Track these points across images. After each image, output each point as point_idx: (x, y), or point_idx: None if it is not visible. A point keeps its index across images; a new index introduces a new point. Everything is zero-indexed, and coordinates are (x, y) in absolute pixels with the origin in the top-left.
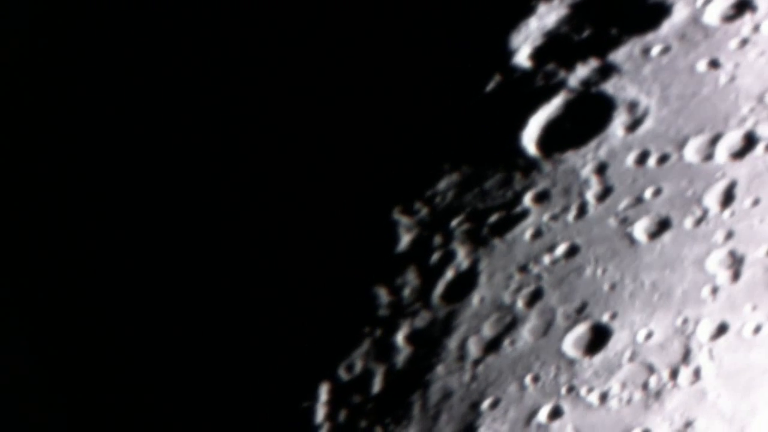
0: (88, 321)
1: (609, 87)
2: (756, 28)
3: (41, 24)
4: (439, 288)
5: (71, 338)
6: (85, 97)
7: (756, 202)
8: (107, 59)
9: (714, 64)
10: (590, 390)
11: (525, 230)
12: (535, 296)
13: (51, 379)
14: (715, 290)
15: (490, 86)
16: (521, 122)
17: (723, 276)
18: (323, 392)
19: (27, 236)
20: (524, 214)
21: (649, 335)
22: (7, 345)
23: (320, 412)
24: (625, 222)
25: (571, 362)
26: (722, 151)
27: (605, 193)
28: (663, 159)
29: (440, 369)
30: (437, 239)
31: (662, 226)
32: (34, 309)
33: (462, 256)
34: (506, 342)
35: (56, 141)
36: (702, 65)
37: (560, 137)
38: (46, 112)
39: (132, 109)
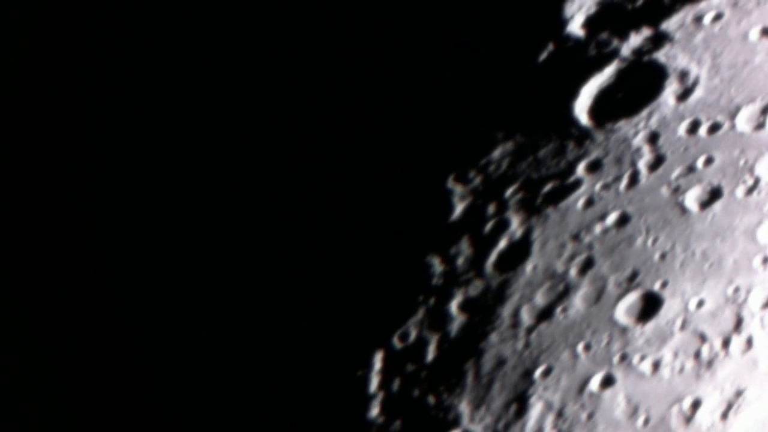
0: (107, 319)
1: (661, 56)
2: None
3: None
4: (493, 257)
5: (76, 338)
6: (84, 98)
7: None
8: (111, 60)
9: (766, 32)
10: (642, 358)
11: (578, 199)
12: (587, 265)
13: (51, 379)
14: (766, 260)
15: (544, 55)
16: (574, 91)
17: None
18: (377, 361)
19: (26, 237)
20: (577, 183)
21: (700, 304)
22: (7, 345)
23: (374, 381)
24: (677, 191)
25: (623, 330)
26: None
27: (657, 162)
28: (714, 128)
29: (493, 337)
30: (491, 208)
31: (714, 195)
32: (35, 309)
33: (515, 225)
34: (559, 310)
35: (56, 140)
36: (754, 33)
37: (612, 106)
38: (48, 111)
39: (136, 110)
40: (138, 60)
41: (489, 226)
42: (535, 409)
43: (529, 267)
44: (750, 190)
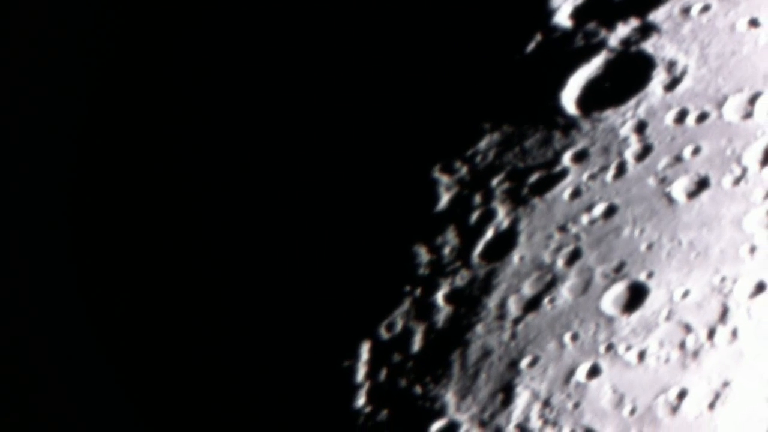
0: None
1: (648, 46)
2: None
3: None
4: (479, 247)
5: (75, 334)
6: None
7: None
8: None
9: (754, 23)
10: (628, 348)
11: (564, 190)
12: (574, 255)
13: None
14: (753, 249)
15: (531, 46)
16: (561, 81)
17: (761, 235)
18: (364, 351)
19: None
20: (563, 173)
21: (686, 294)
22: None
23: (361, 371)
24: (664, 181)
25: (610, 320)
26: (761, 110)
27: (644, 152)
28: (702, 118)
29: (480, 328)
30: (477, 198)
31: (701, 185)
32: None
33: (502, 215)
34: (545, 300)
35: None
36: (742, 24)
37: (600, 96)
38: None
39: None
40: (139, 60)
41: (475, 216)
42: (522, 398)
43: (515, 257)
44: (737, 180)
